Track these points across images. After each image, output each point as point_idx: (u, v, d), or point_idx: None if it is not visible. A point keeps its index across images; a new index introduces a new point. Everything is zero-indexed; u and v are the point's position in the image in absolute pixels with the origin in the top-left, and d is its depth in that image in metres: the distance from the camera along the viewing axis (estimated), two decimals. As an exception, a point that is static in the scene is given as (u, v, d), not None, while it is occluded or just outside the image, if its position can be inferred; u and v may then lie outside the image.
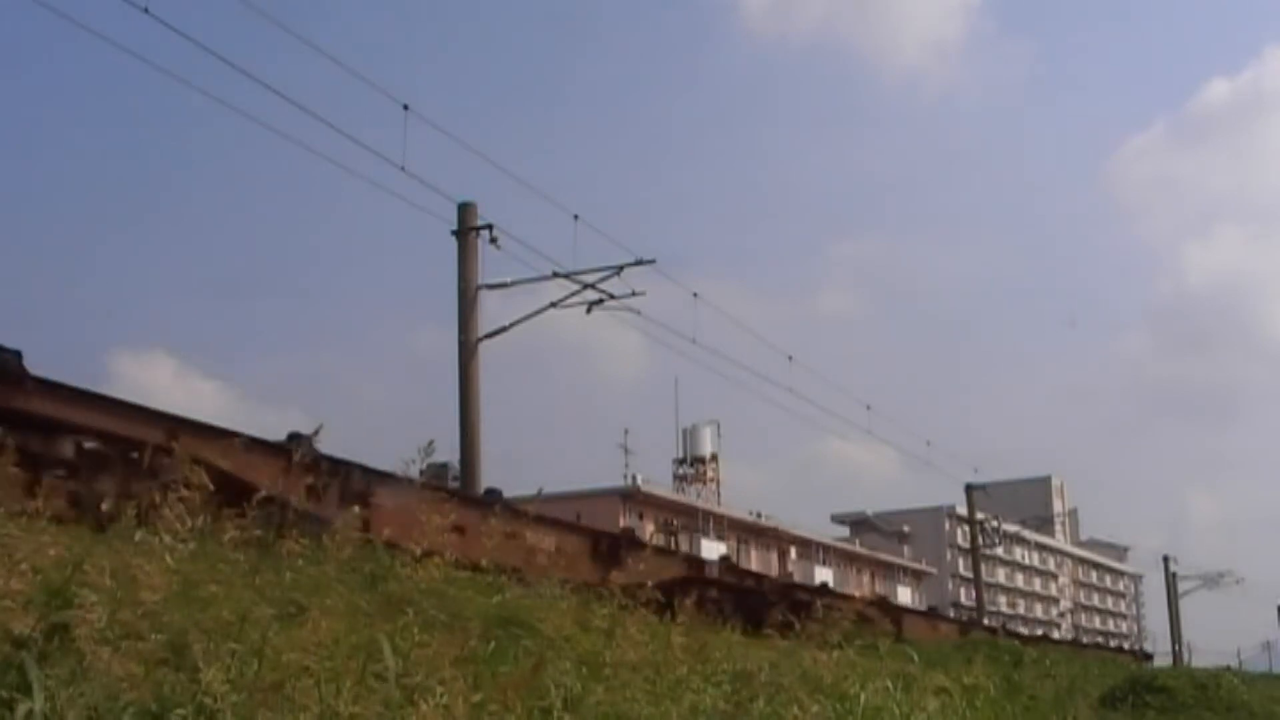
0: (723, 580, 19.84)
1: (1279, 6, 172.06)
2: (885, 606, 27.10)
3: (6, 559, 4.85)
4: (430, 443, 7.97)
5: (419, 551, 7.02)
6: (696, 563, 21.04)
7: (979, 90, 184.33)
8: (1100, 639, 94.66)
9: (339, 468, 12.45)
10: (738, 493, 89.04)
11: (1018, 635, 39.88)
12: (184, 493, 5.37)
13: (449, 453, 24.37)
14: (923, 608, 53.32)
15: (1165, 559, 78.01)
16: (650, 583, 8.79)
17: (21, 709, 3.86)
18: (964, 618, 50.61)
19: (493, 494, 16.20)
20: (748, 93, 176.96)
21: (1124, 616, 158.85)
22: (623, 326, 30.95)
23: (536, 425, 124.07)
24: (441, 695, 4.93)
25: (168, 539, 5.16)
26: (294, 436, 11.66)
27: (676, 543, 47.67)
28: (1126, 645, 74.64)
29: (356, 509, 9.45)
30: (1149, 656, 50.67)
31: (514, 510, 13.25)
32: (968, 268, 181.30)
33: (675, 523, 67.76)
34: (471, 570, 8.66)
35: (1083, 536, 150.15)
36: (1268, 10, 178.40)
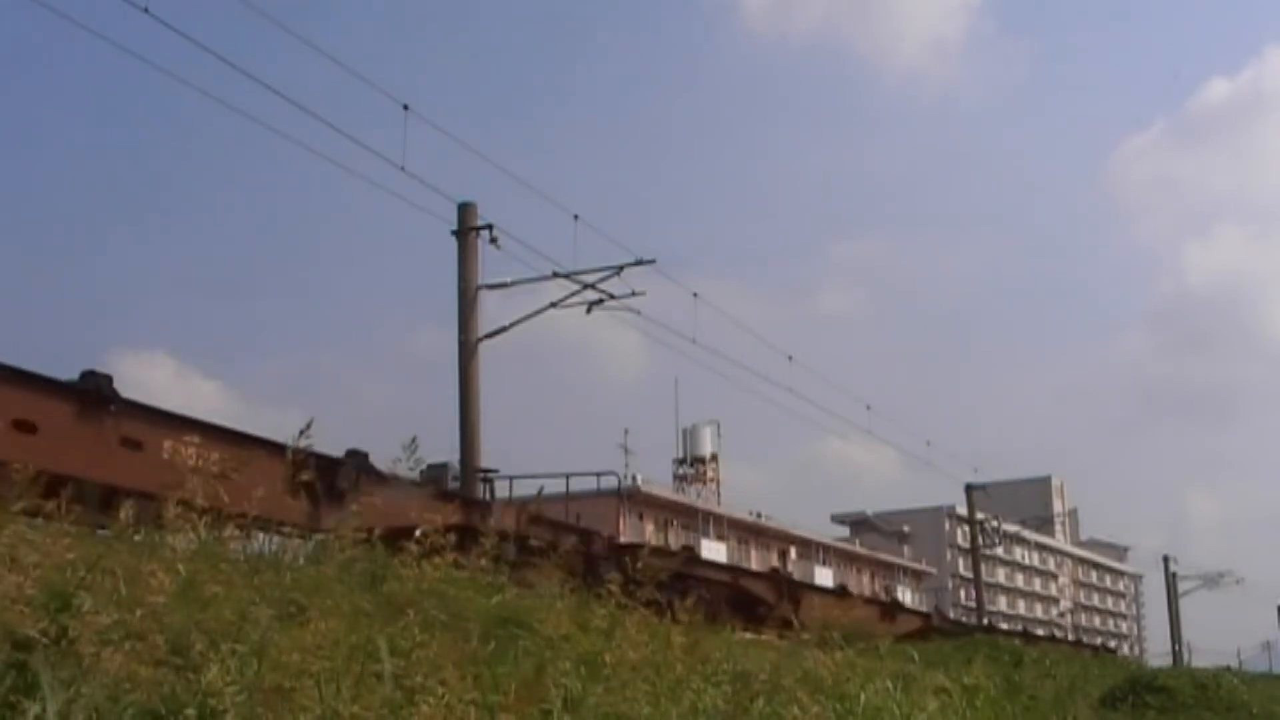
0: (521, 532, 15.78)
1: (1278, 6, 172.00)
2: (779, 580, 26.06)
3: (9, 560, 4.86)
4: (413, 439, 7.91)
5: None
6: (479, 507, 17.86)
7: (979, 90, 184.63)
8: (1099, 638, 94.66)
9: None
10: (738, 493, 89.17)
11: (996, 630, 39.12)
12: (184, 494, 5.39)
13: (449, 453, 24.40)
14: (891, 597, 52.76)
15: (1165, 559, 78.03)
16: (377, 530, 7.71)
17: (32, 711, 3.86)
18: (887, 599, 45.81)
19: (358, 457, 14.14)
20: (748, 93, 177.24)
21: (1124, 616, 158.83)
22: (623, 326, 30.95)
23: (537, 425, 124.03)
24: (443, 696, 4.94)
25: (172, 539, 5.17)
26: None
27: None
28: (1106, 643, 74.30)
29: (355, 508, 9.47)
30: (1111, 651, 50.66)
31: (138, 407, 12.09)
32: (968, 268, 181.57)
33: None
34: None
35: (1083, 536, 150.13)
36: (1267, 9, 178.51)
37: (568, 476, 20.81)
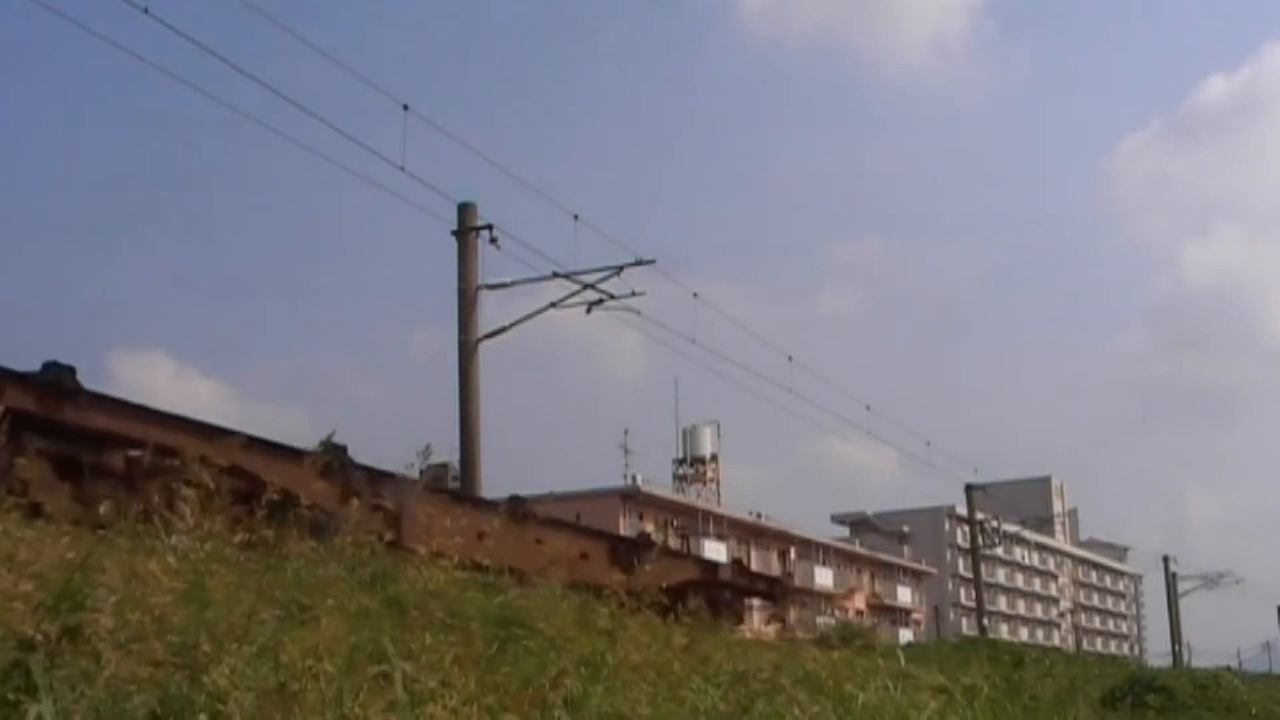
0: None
1: (1277, 3, 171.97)
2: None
3: (10, 561, 4.88)
4: (428, 446, 8.11)
5: (424, 552, 7.05)
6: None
7: (979, 90, 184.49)
8: (1099, 639, 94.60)
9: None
10: (738, 493, 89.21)
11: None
12: (186, 492, 5.40)
13: (449, 453, 24.43)
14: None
15: (1165, 559, 78.02)
16: None
17: (34, 712, 3.87)
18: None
19: (517, 501, 16.38)
20: (747, 93, 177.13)
21: (1124, 617, 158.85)
22: (623, 326, 30.90)
23: (537, 425, 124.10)
24: (450, 698, 4.96)
25: (176, 540, 5.18)
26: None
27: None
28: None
29: (356, 503, 9.54)
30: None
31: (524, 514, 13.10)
32: (967, 267, 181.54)
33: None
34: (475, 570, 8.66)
35: (1082, 536, 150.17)
36: (1266, 7, 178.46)
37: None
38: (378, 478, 12.72)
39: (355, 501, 8.33)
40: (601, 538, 19.25)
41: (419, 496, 11.79)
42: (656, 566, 11.76)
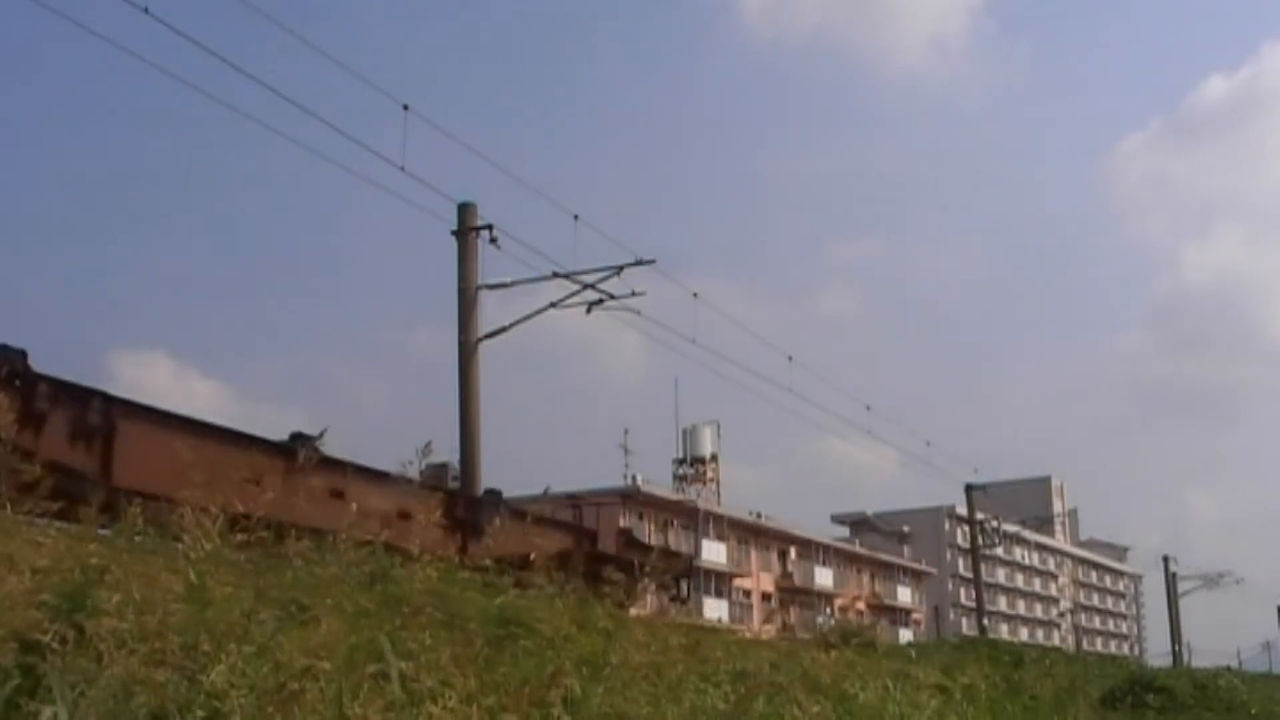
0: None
1: (1277, 3, 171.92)
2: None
3: (10, 562, 4.88)
4: (428, 443, 8.04)
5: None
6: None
7: (979, 90, 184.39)
8: (1099, 639, 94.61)
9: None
10: (738, 493, 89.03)
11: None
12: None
13: (449, 453, 24.44)
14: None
15: (1165, 559, 77.98)
16: None
17: (44, 715, 3.87)
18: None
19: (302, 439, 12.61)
20: (747, 92, 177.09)
21: (1124, 617, 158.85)
22: (623, 326, 30.85)
23: (537, 425, 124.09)
24: (449, 698, 4.96)
25: (179, 543, 5.18)
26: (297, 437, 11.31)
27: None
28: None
29: (355, 506, 9.30)
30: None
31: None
32: (967, 267, 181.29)
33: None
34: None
35: (1082, 536, 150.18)
36: (1266, 7, 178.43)
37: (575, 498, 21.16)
38: (72, 392, 10.65)
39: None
40: (434, 494, 15.12)
41: (138, 415, 9.83)
42: (508, 532, 10.20)
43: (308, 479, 10.16)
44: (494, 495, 16.42)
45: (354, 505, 10.67)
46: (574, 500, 22.39)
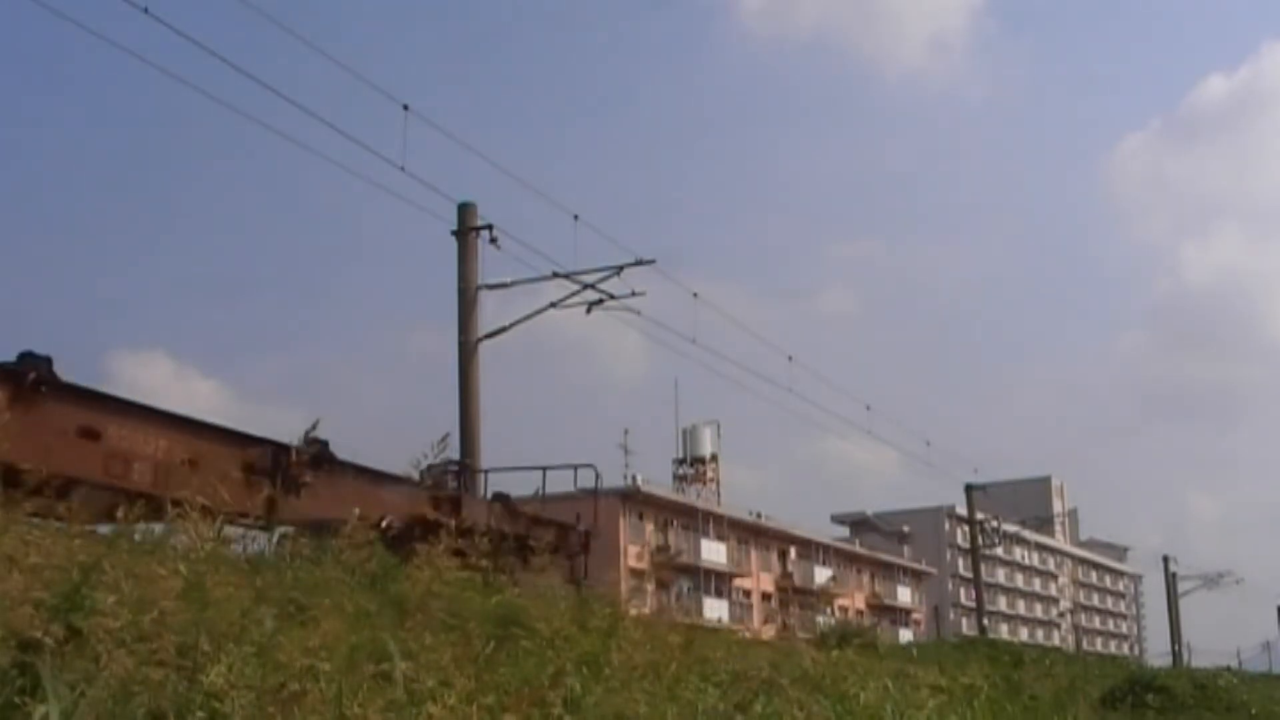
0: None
1: (1277, 3, 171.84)
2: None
3: (12, 561, 4.87)
4: (445, 436, 7.97)
5: None
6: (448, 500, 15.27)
7: (979, 89, 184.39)
8: (1099, 639, 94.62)
9: None
10: (738, 493, 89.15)
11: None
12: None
13: (449, 453, 24.45)
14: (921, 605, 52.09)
15: (1165, 559, 77.99)
16: None
17: (37, 713, 3.87)
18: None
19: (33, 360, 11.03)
20: (747, 92, 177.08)
21: (1124, 617, 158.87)
22: (623, 326, 30.87)
23: (536, 425, 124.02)
24: (449, 698, 4.96)
25: (178, 542, 5.17)
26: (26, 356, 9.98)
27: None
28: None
29: (357, 510, 9.28)
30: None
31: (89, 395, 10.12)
32: (967, 267, 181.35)
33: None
34: None
35: (1082, 536, 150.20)
36: (1266, 7, 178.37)
37: (544, 470, 19.64)
38: None
39: None
40: (229, 439, 12.74)
41: None
42: (337, 490, 8.84)
43: (46, 412, 8.88)
44: (459, 465, 15.43)
45: (112, 445, 9.59)
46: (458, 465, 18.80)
